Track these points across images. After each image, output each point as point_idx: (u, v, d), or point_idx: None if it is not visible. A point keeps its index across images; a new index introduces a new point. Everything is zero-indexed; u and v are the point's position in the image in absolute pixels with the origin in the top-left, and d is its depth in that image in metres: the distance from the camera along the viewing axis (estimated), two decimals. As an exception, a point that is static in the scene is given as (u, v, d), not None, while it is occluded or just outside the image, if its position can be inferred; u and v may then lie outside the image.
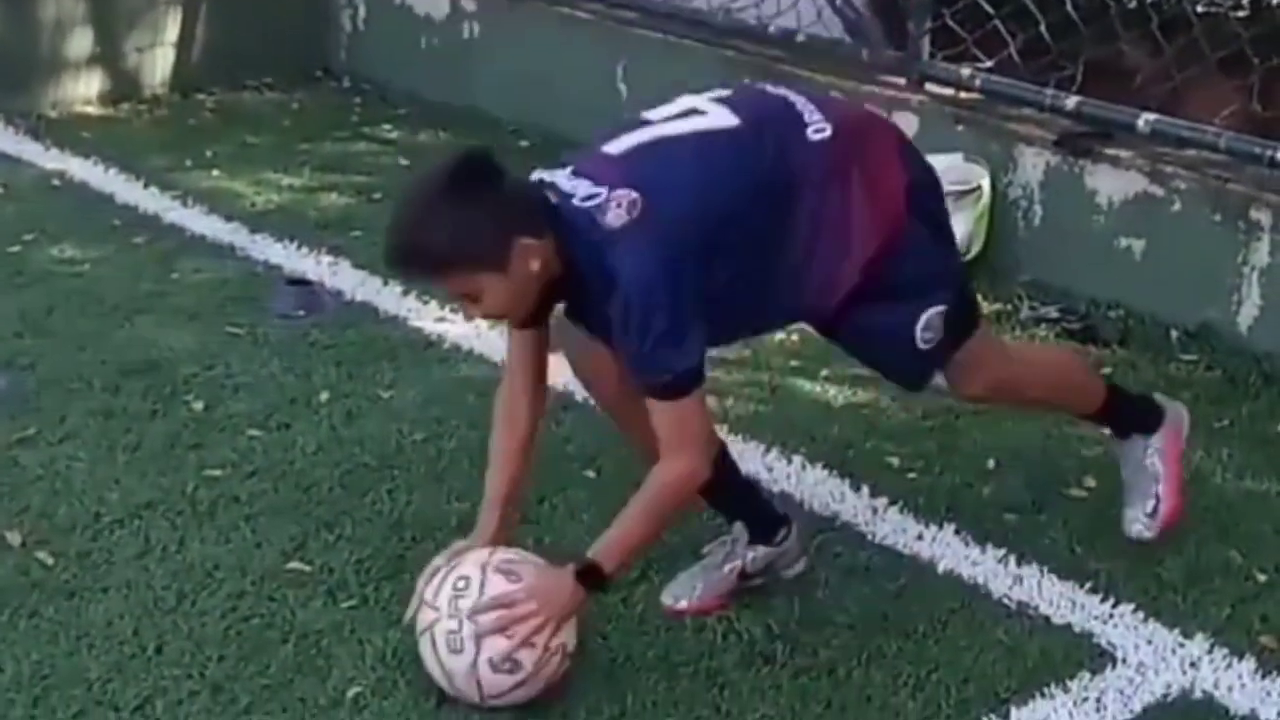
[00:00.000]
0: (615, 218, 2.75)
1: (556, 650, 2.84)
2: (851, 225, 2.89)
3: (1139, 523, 3.31)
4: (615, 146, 2.87)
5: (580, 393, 3.94)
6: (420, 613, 2.89)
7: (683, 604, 3.16)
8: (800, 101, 2.93)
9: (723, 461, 3.14)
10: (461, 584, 2.85)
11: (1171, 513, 3.32)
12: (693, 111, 2.92)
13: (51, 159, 5.57)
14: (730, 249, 2.81)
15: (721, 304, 2.82)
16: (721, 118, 2.89)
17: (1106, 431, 3.46)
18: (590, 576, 2.85)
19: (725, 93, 2.97)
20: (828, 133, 2.87)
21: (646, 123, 2.91)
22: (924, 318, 2.98)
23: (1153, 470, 3.32)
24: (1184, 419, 3.42)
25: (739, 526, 3.21)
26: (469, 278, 2.78)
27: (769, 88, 3.05)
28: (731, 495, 3.22)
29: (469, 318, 2.87)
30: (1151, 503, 3.31)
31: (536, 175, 2.89)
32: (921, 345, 3.00)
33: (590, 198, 2.79)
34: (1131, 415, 3.36)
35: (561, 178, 2.84)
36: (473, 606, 2.81)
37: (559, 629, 2.84)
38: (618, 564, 2.88)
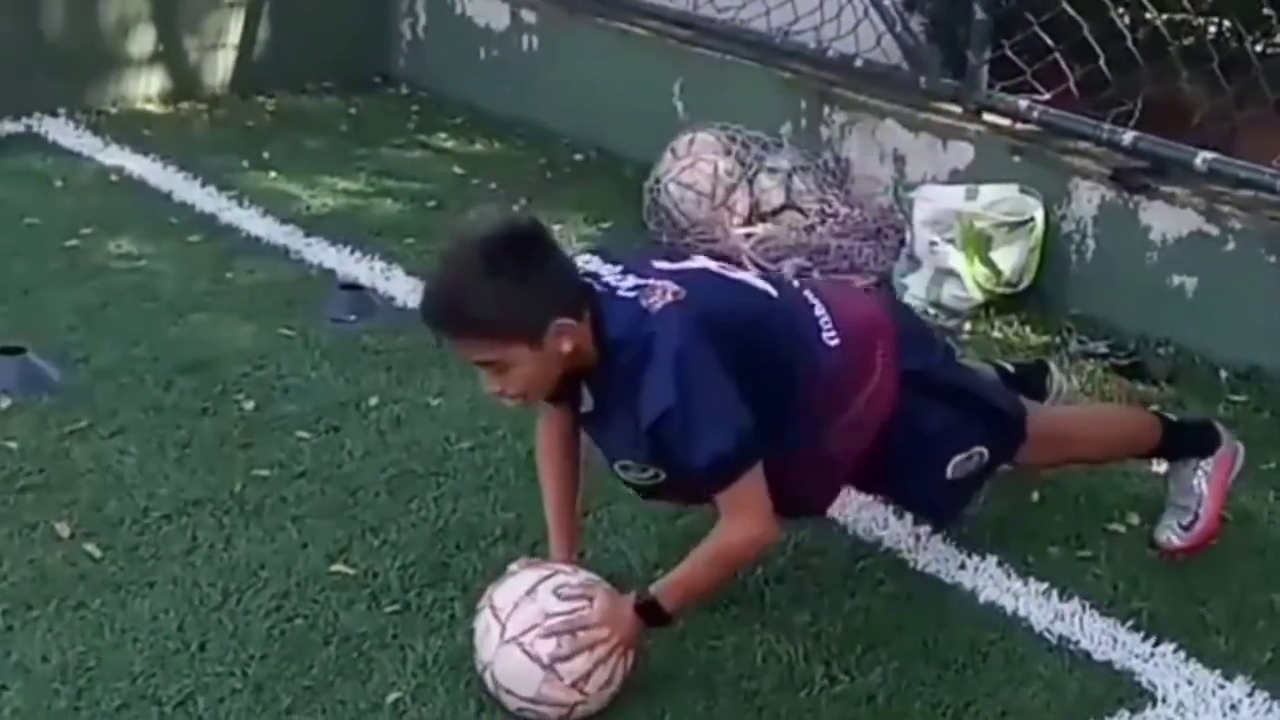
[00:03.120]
0: (656, 300, 2.84)
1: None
2: (846, 422, 3.04)
3: (1172, 531, 3.43)
4: (665, 263, 3.01)
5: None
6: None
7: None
8: (819, 306, 3.06)
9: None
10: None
11: (1206, 534, 3.42)
12: (740, 271, 3.15)
13: (111, 155, 5.63)
14: (748, 375, 2.86)
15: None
16: (763, 284, 3.06)
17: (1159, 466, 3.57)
18: (649, 611, 2.90)
19: (763, 275, 3.18)
20: (837, 342, 3.01)
21: (693, 259, 3.09)
22: (951, 464, 3.15)
23: (1198, 492, 3.43)
24: (1239, 453, 3.51)
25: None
26: (502, 347, 2.80)
27: (797, 286, 3.19)
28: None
29: (487, 389, 2.92)
30: (1189, 518, 3.42)
31: (584, 260, 2.97)
32: (951, 476, 3.16)
33: (635, 289, 2.88)
34: (1186, 443, 3.48)
35: (608, 270, 2.93)
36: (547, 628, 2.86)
37: (627, 654, 2.90)
38: (677, 606, 2.93)
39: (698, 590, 2.97)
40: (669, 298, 2.84)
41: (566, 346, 2.81)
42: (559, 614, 2.86)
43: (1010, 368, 3.71)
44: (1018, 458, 3.33)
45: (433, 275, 2.90)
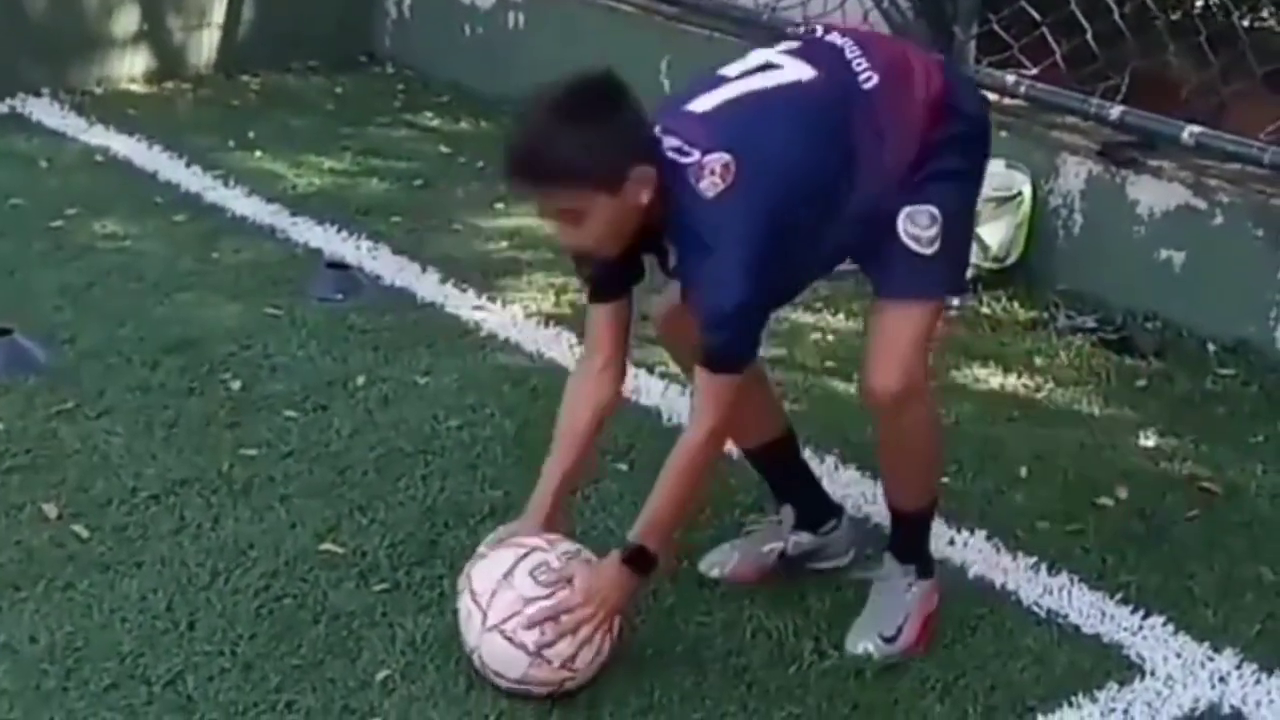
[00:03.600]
0: (709, 186, 2.73)
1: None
2: (890, 166, 2.88)
3: (870, 641, 3.04)
4: (700, 104, 2.84)
5: (616, 386, 3.97)
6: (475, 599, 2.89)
7: (715, 571, 3.21)
8: (849, 47, 2.91)
9: (787, 442, 3.22)
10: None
11: (908, 649, 3.05)
12: (768, 66, 2.90)
13: (96, 135, 5.60)
14: (811, 201, 2.80)
15: (796, 259, 2.83)
16: (797, 70, 2.88)
17: (888, 555, 3.14)
18: (637, 560, 2.87)
19: (793, 44, 2.96)
20: (875, 80, 2.87)
21: (725, 79, 2.89)
22: (907, 209, 2.88)
23: (908, 604, 3.08)
24: (939, 599, 3.14)
25: (787, 510, 3.25)
26: (582, 195, 2.72)
27: (823, 34, 2.99)
28: (788, 477, 3.27)
29: (563, 245, 2.89)
30: (893, 631, 3.05)
31: None
32: (912, 244, 2.89)
33: (682, 153, 2.77)
34: (926, 544, 3.16)
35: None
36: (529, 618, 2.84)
37: (614, 624, 2.89)
38: (660, 540, 2.88)
39: (673, 514, 2.90)
40: (719, 182, 2.73)
41: (645, 197, 2.73)
42: (538, 599, 2.84)
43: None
44: (887, 368, 2.91)
45: (512, 134, 2.79)
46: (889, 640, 3.03)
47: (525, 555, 2.90)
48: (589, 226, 2.76)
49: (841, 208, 2.86)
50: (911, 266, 2.90)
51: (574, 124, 2.70)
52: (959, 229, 2.97)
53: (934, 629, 3.08)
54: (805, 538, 3.24)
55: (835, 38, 2.95)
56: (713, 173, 2.74)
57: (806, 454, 3.64)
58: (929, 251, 2.89)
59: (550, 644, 2.82)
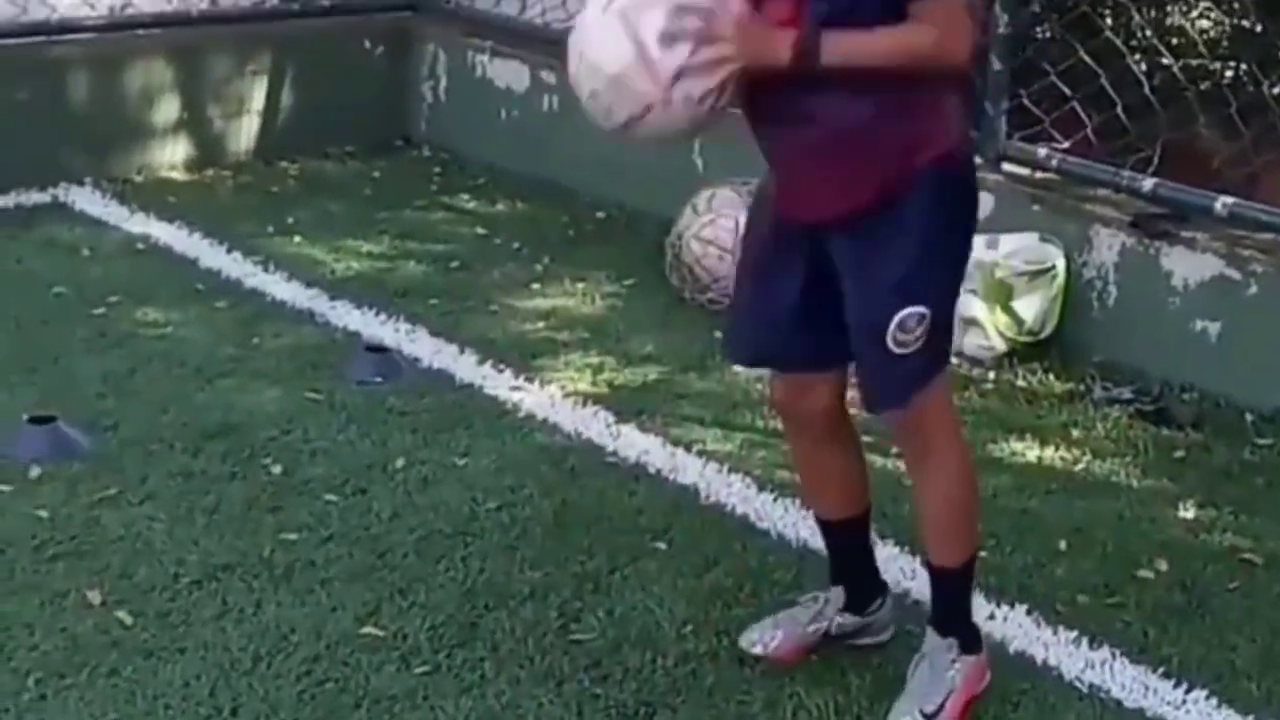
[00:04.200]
0: None
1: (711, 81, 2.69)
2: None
3: (910, 716, 3.00)
4: None
5: (653, 464, 3.99)
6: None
7: (758, 649, 3.20)
8: None
9: (864, 521, 3.23)
10: None
11: None
12: None
13: (137, 223, 5.67)
14: None
15: None
16: None
17: (929, 629, 3.09)
18: (802, 46, 2.69)
19: None
20: None
21: None
22: (899, 316, 2.83)
23: (950, 683, 3.03)
24: (989, 673, 3.11)
25: (837, 591, 3.24)
26: None
27: None
28: (854, 557, 3.25)
29: None
30: (933, 708, 3.00)
31: None
32: (895, 348, 2.84)
33: None
34: (968, 615, 3.13)
35: None
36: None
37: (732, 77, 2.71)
38: (832, 52, 2.69)
39: (865, 53, 2.71)
40: None
41: None
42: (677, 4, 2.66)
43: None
44: (891, 406, 2.96)
45: None
46: (930, 717, 3.01)
47: None
48: None
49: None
50: (890, 372, 2.87)
51: None
52: (946, 312, 2.92)
53: (976, 708, 3.07)
54: (850, 619, 3.24)
55: None
56: None
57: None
58: (910, 351, 2.86)
59: (668, 43, 2.63)
